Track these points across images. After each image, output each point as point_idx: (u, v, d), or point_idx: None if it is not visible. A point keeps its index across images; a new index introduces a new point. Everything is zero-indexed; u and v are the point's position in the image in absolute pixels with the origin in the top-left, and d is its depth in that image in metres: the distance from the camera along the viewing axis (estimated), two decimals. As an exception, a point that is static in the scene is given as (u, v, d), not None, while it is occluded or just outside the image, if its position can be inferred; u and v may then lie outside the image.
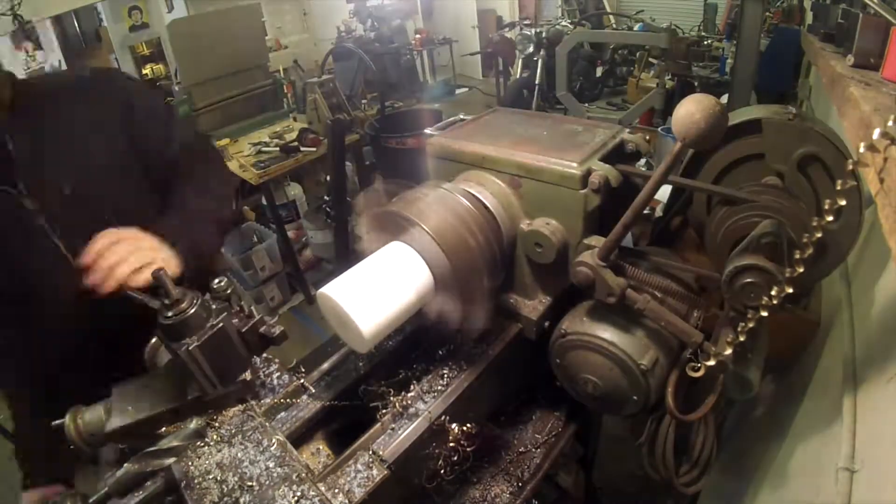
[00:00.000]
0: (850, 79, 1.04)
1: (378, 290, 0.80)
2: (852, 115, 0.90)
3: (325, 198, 3.10)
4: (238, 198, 3.80)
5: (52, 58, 6.64)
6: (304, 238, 4.00)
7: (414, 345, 1.04)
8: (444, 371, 0.92)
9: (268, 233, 3.91)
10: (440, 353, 0.97)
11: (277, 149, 3.49)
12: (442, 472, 0.89)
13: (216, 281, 0.87)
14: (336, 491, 0.73)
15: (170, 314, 0.75)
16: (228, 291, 0.85)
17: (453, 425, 0.85)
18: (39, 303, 1.14)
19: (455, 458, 0.88)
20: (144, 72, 7.45)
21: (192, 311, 0.76)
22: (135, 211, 1.20)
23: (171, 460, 0.79)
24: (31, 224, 1.09)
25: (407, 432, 0.81)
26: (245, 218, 4.17)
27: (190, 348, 0.74)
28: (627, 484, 2.16)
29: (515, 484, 1.07)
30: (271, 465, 0.74)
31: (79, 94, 1.21)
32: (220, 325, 0.77)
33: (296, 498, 0.69)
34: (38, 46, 6.58)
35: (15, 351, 1.17)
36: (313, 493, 0.70)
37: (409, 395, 0.88)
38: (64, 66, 6.64)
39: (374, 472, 0.75)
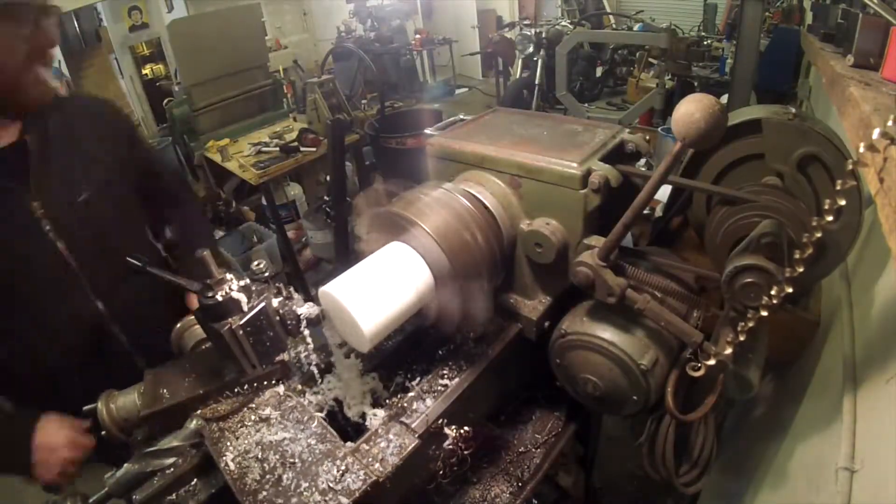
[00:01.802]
0: (850, 79, 1.04)
1: (379, 289, 0.80)
2: (852, 115, 0.90)
3: (325, 198, 3.09)
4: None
5: (51, 58, 6.62)
6: (304, 238, 4.00)
7: (414, 345, 1.04)
8: (444, 371, 0.92)
9: (268, 233, 3.91)
10: (440, 353, 0.97)
11: (277, 149, 3.49)
12: (441, 472, 0.89)
13: (255, 263, 0.88)
14: (370, 460, 0.75)
15: (211, 294, 0.75)
16: (267, 273, 0.86)
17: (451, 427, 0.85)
18: (41, 309, 1.14)
19: (454, 459, 0.88)
20: (144, 72, 7.46)
21: (235, 290, 0.76)
22: (131, 224, 1.31)
23: (171, 460, 0.79)
24: (37, 229, 1.09)
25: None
26: (245, 218, 4.17)
27: (233, 327, 0.74)
28: (627, 484, 2.16)
29: (515, 484, 1.07)
30: (312, 441, 0.75)
31: (87, 113, 1.27)
32: (262, 305, 0.77)
33: (340, 472, 0.70)
34: (38, 46, 6.56)
35: (14, 356, 1.17)
36: (357, 467, 0.71)
37: (410, 394, 0.88)
38: (64, 66, 6.64)
39: (406, 441, 0.77)
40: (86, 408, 0.84)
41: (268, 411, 0.82)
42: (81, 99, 1.37)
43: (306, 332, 0.85)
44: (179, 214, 1.48)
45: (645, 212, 0.82)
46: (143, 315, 1.28)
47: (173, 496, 0.80)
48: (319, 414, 0.82)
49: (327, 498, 0.67)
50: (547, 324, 1.00)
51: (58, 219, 1.11)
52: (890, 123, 0.60)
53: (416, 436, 0.79)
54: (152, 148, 1.52)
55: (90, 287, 1.18)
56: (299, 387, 0.91)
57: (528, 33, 4.87)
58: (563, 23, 5.46)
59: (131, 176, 1.30)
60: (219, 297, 0.76)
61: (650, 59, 4.72)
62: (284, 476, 0.71)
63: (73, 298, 1.17)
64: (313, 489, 0.68)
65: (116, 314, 1.24)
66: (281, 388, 0.86)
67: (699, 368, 0.78)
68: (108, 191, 1.23)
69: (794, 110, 0.82)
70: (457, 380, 0.90)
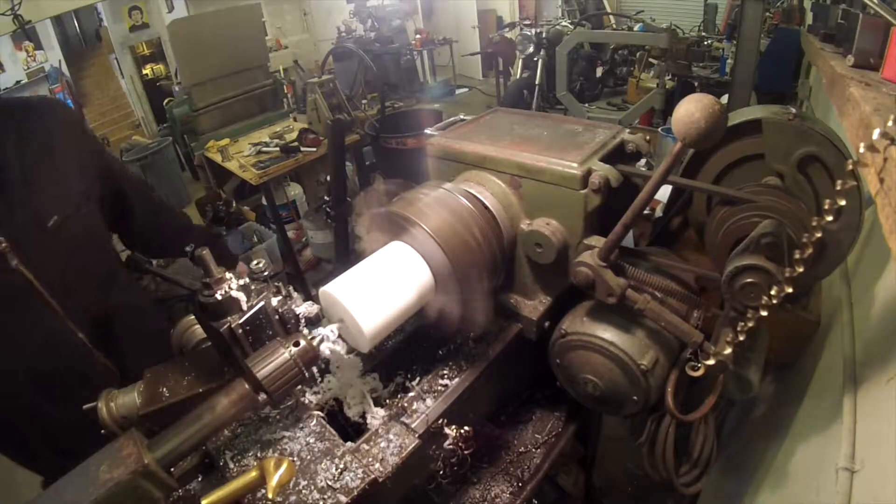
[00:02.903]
0: (850, 79, 1.04)
1: (379, 289, 0.80)
2: (852, 115, 0.90)
3: (325, 198, 3.09)
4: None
5: (52, 58, 6.64)
6: (304, 238, 4.00)
7: (414, 345, 1.04)
8: (444, 371, 0.92)
9: (268, 233, 3.91)
10: (440, 353, 0.97)
11: (277, 149, 3.49)
12: (441, 472, 0.90)
13: (254, 262, 0.88)
14: (370, 460, 0.75)
15: (210, 293, 0.75)
16: (266, 273, 0.86)
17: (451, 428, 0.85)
18: (13, 344, 1.09)
19: (454, 459, 0.88)
20: (145, 72, 7.46)
21: (235, 289, 0.76)
22: (100, 241, 1.24)
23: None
24: (2, 259, 1.01)
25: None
26: (245, 218, 4.17)
27: (232, 326, 0.75)
28: (627, 484, 2.16)
29: (515, 484, 1.07)
30: (311, 440, 0.76)
31: (40, 121, 1.16)
32: (261, 303, 0.78)
33: (339, 471, 0.70)
34: (38, 46, 6.58)
35: None
36: (356, 465, 0.71)
37: (410, 394, 0.88)
38: (64, 66, 6.65)
39: (406, 441, 0.77)
40: (86, 406, 0.83)
41: (267, 410, 0.82)
42: (31, 105, 1.21)
43: (306, 331, 0.85)
44: (156, 222, 1.41)
45: (645, 212, 0.82)
46: (127, 336, 1.24)
47: (174, 495, 0.80)
48: (318, 413, 0.81)
49: (326, 496, 0.67)
50: (547, 324, 0.99)
51: (24, 249, 1.04)
52: (890, 123, 0.60)
53: (416, 436, 0.79)
54: (115, 158, 1.44)
55: (67, 315, 1.12)
56: (299, 386, 0.91)
57: (529, 33, 4.87)
58: (564, 23, 5.46)
59: (96, 181, 1.23)
60: (218, 296, 0.76)
61: (650, 60, 4.72)
62: None
63: (49, 330, 1.11)
64: (312, 487, 0.68)
65: (99, 340, 1.19)
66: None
67: (699, 368, 0.78)
68: (80, 208, 1.15)
69: (794, 110, 0.82)
70: (457, 380, 0.90)
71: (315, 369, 0.91)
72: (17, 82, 6.49)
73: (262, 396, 0.68)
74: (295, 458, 0.73)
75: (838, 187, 0.59)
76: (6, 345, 1.09)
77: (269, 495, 0.61)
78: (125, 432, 0.80)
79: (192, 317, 1.00)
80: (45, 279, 1.08)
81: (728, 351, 0.74)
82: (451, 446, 0.86)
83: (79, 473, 0.59)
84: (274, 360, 0.68)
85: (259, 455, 0.74)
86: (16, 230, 1.04)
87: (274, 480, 0.60)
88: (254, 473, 0.63)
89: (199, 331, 0.99)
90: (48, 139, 1.15)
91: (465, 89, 8.24)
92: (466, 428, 0.86)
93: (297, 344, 0.70)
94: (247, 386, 0.67)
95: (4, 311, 1.06)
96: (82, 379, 1.18)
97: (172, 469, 0.73)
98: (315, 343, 0.72)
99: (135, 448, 0.60)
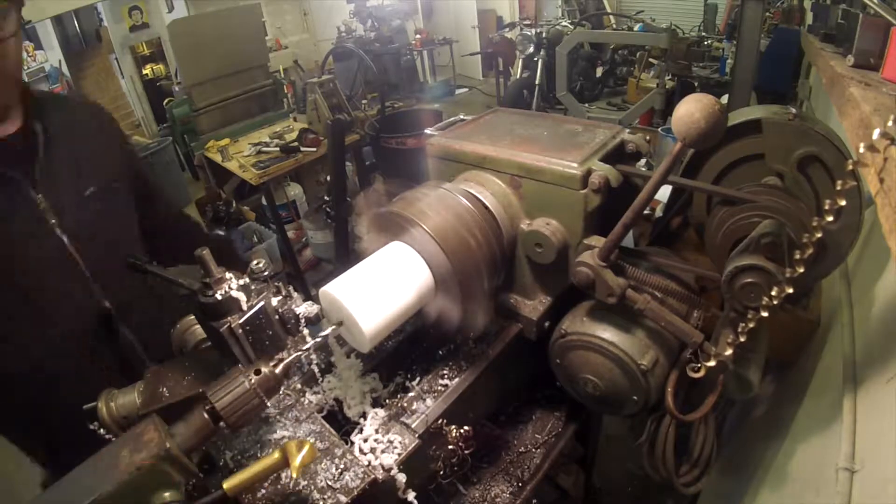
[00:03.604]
0: (850, 79, 1.05)
1: (379, 289, 0.80)
2: (852, 115, 0.90)
3: (325, 198, 3.09)
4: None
5: (52, 58, 6.64)
6: (304, 238, 4.00)
7: (414, 345, 1.04)
8: (444, 371, 0.92)
9: (268, 233, 3.91)
10: (440, 353, 0.97)
11: (277, 149, 3.49)
12: (441, 472, 0.90)
13: (254, 262, 0.88)
14: (371, 460, 0.75)
15: (211, 293, 0.76)
16: (266, 273, 0.86)
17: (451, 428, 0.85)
18: (45, 306, 1.12)
19: (454, 459, 0.88)
20: (145, 72, 7.46)
21: (235, 289, 0.76)
22: (130, 224, 1.29)
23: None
24: (41, 222, 1.07)
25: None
26: (245, 218, 4.17)
27: (232, 326, 0.75)
28: (627, 484, 2.16)
29: (515, 484, 1.07)
30: (311, 440, 0.75)
31: (86, 112, 1.27)
32: (261, 303, 0.78)
33: (339, 470, 0.70)
34: (39, 46, 6.58)
35: (14, 354, 1.13)
36: (356, 465, 0.71)
37: (410, 394, 0.88)
38: (64, 66, 6.64)
39: (406, 441, 0.77)
40: (86, 406, 0.83)
41: (267, 410, 0.82)
42: (77, 99, 1.39)
43: (306, 331, 0.85)
44: (174, 229, 1.47)
45: (645, 212, 0.82)
46: (150, 314, 1.27)
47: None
48: (318, 413, 0.82)
49: (325, 496, 0.67)
50: (547, 324, 0.99)
51: (63, 213, 1.09)
52: (890, 123, 0.60)
53: (416, 436, 0.79)
54: (143, 159, 1.52)
55: (97, 284, 1.17)
56: (299, 386, 0.91)
57: (529, 33, 4.87)
58: (564, 23, 5.47)
59: (127, 178, 1.30)
60: (218, 296, 0.76)
61: (650, 60, 4.72)
62: (283, 474, 0.71)
63: (79, 295, 1.15)
64: (312, 487, 0.68)
65: (123, 312, 1.23)
66: (280, 387, 0.86)
67: (699, 369, 0.78)
68: (112, 188, 1.22)
69: (794, 110, 0.82)
70: (457, 380, 0.90)
71: (315, 369, 0.92)
72: (18, 82, 6.49)
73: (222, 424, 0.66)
74: None
75: (838, 187, 0.59)
76: (41, 309, 1.11)
77: (294, 475, 0.61)
78: (122, 433, 0.81)
79: (192, 317, 1.00)
80: (80, 248, 1.12)
81: (728, 351, 0.74)
82: (450, 446, 0.86)
83: (100, 458, 0.59)
84: (233, 389, 0.67)
85: (259, 455, 0.74)
86: (57, 195, 1.09)
87: (297, 461, 0.60)
88: (276, 455, 0.62)
89: (199, 331, 0.99)
90: (92, 128, 1.24)
91: (465, 89, 8.25)
92: (466, 428, 0.86)
93: (258, 372, 0.69)
94: (205, 416, 0.66)
95: (43, 274, 1.09)
96: (115, 355, 1.21)
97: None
98: (279, 371, 0.70)
99: (156, 433, 0.60)
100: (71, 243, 1.11)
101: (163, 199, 1.48)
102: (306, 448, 0.61)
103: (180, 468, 0.60)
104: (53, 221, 1.08)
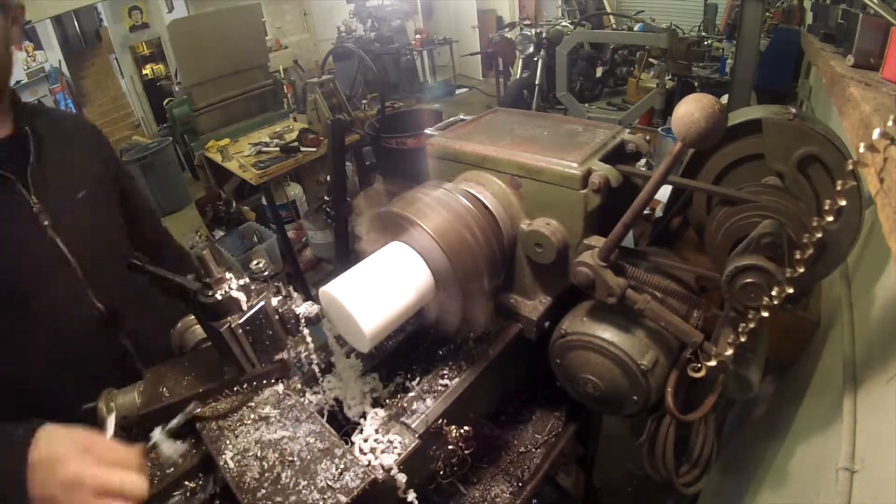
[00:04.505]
0: (850, 79, 1.04)
1: (379, 289, 0.80)
2: (852, 115, 0.90)
3: (325, 198, 3.09)
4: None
5: (52, 58, 6.64)
6: (304, 238, 4.00)
7: (414, 345, 1.04)
8: (444, 371, 0.92)
9: (268, 233, 3.92)
10: (440, 353, 0.97)
11: (277, 149, 3.49)
12: (441, 472, 0.89)
13: (254, 262, 0.88)
14: (371, 459, 0.75)
15: (211, 293, 0.75)
16: (266, 273, 0.86)
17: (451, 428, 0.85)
18: (39, 308, 1.11)
19: (454, 459, 0.88)
20: (144, 72, 7.47)
21: (235, 289, 0.76)
22: (120, 228, 1.29)
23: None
24: (36, 223, 1.08)
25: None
26: (245, 218, 4.17)
27: (232, 326, 0.75)
28: (627, 484, 2.16)
29: (515, 484, 1.07)
30: (311, 440, 0.75)
31: (71, 122, 1.29)
32: (261, 303, 0.78)
33: (339, 471, 0.70)
34: (38, 46, 6.58)
35: (7, 357, 1.12)
36: (356, 466, 0.71)
37: (410, 394, 0.88)
38: (64, 66, 6.64)
39: (406, 440, 0.77)
40: (86, 406, 0.84)
41: (267, 410, 0.82)
42: (58, 111, 1.42)
43: (306, 331, 0.85)
44: (155, 240, 1.48)
45: (645, 212, 0.82)
46: (145, 319, 1.27)
47: (174, 495, 0.80)
48: (318, 413, 0.82)
49: (326, 496, 0.67)
50: (547, 324, 1.00)
51: (57, 214, 1.10)
52: (890, 123, 0.60)
53: (416, 436, 0.79)
54: (133, 181, 1.52)
55: (90, 287, 1.17)
56: (299, 386, 0.91)
57: (529, 33, 4.87)
58: (564, 23, 5.46)
59: (115, 185, 1.31)
60: (218, 296, 0.76)
61: (650, 60, 4.72)
62: (283, 474, 0.71)
63: (73, 298, 1.15)
64: (312, 487, 0.68)
65: (117, 316, 1.22)
66: (280, 387, 0.86)
67: (700, 369, 0.78)
68: (103, 192, 1.23)
69: (794, 110, 0.82)
70: (457, 380, 0.90)
71: (315, 369, 0.92)
72: (18, 82, 6.49)
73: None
74: (295, 458, 0.73)
75: (838, 187, 0.59)
76: (35, 311, 1.10)
77: None
78: (122, 432, 0.81)
79: (192, 317, 1.00)
80: (74, 250, 1.13)
81: (728, 351, 0.74)
82: (450, 446, 0.86)
83: None
84: None
85: (259, 455, 0.74)
86: (50, 196, 1.10)
87: None
88: None
89: (199, 331, 0.99)
90: (77, 135, 1.26)
91: (465, 89, 8.25)
92: (466, 428, 0.86)
93: None
94: None
95: (37, 276, 1.09)
96: (108, 359, 1.21)
97: (162, 477, 0.74)
98: None
99: None
100: (65, 245, 1.11)
101: (148, 213, 1.49)
102: None
103: None
104: (47, 223, 1.09)
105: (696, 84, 4.35)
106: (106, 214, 1.24)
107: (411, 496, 0.76)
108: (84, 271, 1.15)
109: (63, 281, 1.13)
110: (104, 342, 1.22)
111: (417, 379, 0.95)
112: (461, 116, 1.19)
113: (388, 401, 0.90)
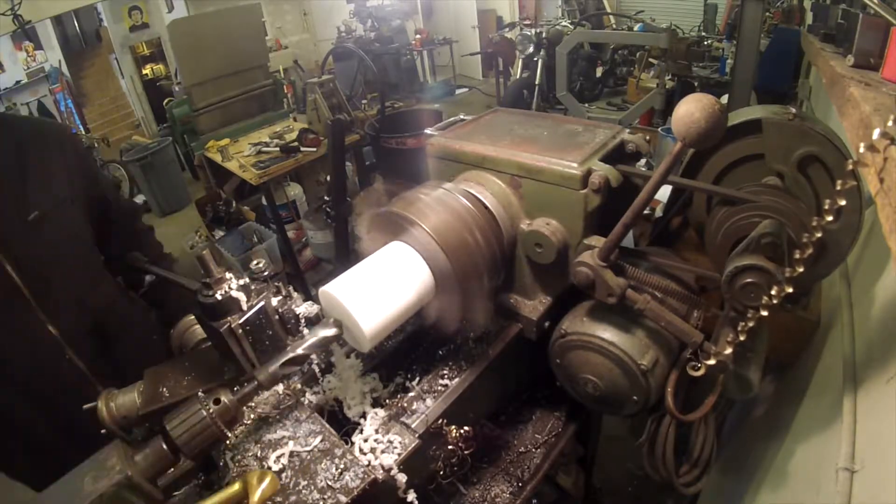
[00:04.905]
0: (850, 79, 1.04)
1: (379, 289, 0.80)
2: (852, 115, 0.90)
3: (325, 198, 3.09)
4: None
5: (52, 58, 6.64)
6: (304, 238, 4.00)
7: (414, 345, 1.04)
8: (444, 371, 0.92)
9: (268, 233, 3.92)
10: (440, 353, 0.97)
11: (277, 149, 3.49)
12: (441, 472, 0.89)
13: (254, 262, 0.88)
14: (371, 459, 0.75)
15: (211, 293, 0.76)
16: (266, 273, 0.86)
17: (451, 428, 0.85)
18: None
19: (454, 459, 0.88)
20: (144, 72, 7.47)
21: (235, 289, 0.76)
22: (82, 245, 1.25)
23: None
24: None
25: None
26: (245, 218, 4.17)
27: (232, 326, 0.75)
28: (627, 484, 2.16)
29: (515, 484, 1.07)
30: (311, 440, 0.75)
31: (38, 134, 1.23)
32: (261, 303, 0.78)
33: (339, 471, 0.70)
34: (38, 46, 6.58)
35: None
36: (356, 466, 0.71)
37: (410, 394, 0.88)
38: (64, 66, 6.64)
39: (406, 440, 0.77)
40: (86, 406, 0.83)
41: (267, 410, 0.82)
42: (34, 122, 1.31)
43: (306, 331, 0.85)
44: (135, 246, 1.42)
45: (645, 212, 0.82)
46: (101, 337, 1.24)
47: (174, 495, 0.80)
48: (318, 413, 0.81)
49: (326, 496, 0.67)
50: (547, 324, 0.99)
51: (5, 238, 1.06)
52: (890, 123, 0.60)
53: (417, 436, 0.79)
54: (105, 177, 1.46)
55: (41, 310, 1.13)
56: (299, 386, 0.91)
57: (529, 33, 4.87)
58: (564, 23, 5.47)
59: (80, 194, 1.26)
60: (218, 296, 0.76)
61: (650, 60, 4.72)
62: (283, 474, 0.71)
63: (23, 323, 1.12)
64: (312, 487, 0.68)
65: (71, 338, 1.19)
66: (280, 387, 0.86)
67: (699, 368, 0.78)
68: (62, 211, 1.19)
69: (794, 110, 0.82)
70: (457, 380, 0.90)
71: (315, 369, 0.92)
72: (17, 82, 6.50)
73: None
74: (295, 458, 0.73)
75: (838, 187, 0.59)
76: None
77: None
78: (122, 433, 0.81)
79: (192, 317, 1.00)
80: (27, 276, 1.09)
81: (728, 351, 0.74)
82: (450, 446, 0.86)
83: (65, 483, 0.59)
84: (189, 419, 0.66)
85: (259, 455, 0.74)
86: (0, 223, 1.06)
87: (257, 495, 0.59)
88: (237, 487, 0.61)
89: (199, 331, 0.99)
90: (43, 151, 1.20)
91: (465, 89, 8.25)
92: (466, 428, 0.86)
93: (217, 402, 0.68)
94: (164, 446, 0.65)
95: None
96: (61, 384, 1.17)
97: (161, 478, 0.73)
98: (233, 402, 0.69)
99: (119, 460, 0.60)
100: (15, 271, 1.07)
101: (128, 226, 1.43)
102: (268, 480, 0.60)
103: (143, 495, 0.60)
104: None
105: (696, 84, 4.35)
106: (70, 232, 1.20)
107: (411, 496, 0.76)
108: (36, 296, 1.11)
109: (13, 308, 1.09)
110: (63, 368, 1.18)
111: (417, 379, 0.95)
112: (461, 116, 1.19)
113: (388, 401, 0.90)
